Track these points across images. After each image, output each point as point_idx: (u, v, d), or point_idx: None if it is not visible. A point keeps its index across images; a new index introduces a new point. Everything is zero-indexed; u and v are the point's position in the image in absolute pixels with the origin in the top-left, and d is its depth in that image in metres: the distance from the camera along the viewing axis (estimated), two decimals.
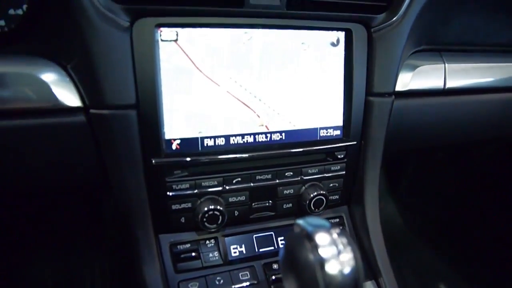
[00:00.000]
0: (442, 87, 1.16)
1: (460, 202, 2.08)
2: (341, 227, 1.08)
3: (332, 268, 0.63)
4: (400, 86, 1.09)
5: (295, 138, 0.99)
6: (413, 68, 1.12)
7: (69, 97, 0.82)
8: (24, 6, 0.81)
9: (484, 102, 1.28)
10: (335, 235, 0.66)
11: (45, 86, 0.80)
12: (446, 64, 1.16)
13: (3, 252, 1.51)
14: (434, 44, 1.18)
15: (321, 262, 0.63)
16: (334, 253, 0.64)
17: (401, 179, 2.20)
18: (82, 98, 0.83)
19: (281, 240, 1.05)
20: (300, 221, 0.70)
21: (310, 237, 0.66)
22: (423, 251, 2.02)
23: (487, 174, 2.00)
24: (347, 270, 0.63)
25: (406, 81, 1.11)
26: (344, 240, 0.66)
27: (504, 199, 1.90)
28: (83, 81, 0.82)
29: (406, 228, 2.11)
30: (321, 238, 0.65)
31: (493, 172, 1.97)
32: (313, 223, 0.68)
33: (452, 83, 1.17)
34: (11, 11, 0.80)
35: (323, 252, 0.64)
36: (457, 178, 2.09)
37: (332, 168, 1.05)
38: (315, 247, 0.64)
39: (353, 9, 0.94)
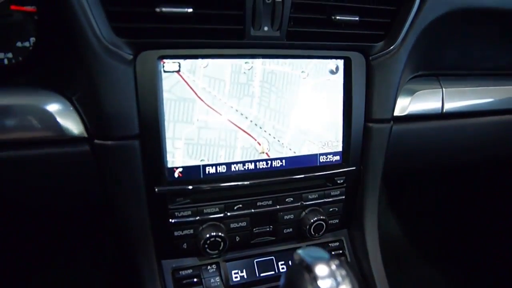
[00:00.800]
0: (440, 111, 1.18)
1: (461, 219, 2.08)
2: (340, 251, 1.12)
3: None
4: (398, 111, 1.11)
5: (295, 164, 1.01)
6: (411, 92, 1.14)
7: (73, 127, 0.85)
8: (31, 39, 0.83)
9: (482, 124, 1.30)
10: (334, 267, 0.67)
11: (51, 117, 0.82)
12: (444, 88, 1.18)
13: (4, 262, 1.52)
14: (432, 69, 1.20)
15: None
16: (333, 285, 0.65)
17: (402, 195, 2.20)
18: (86, 129, 0.85)
19: (281, 264, 1.05)
20: (300, 251, 0.71)
21: (309, 269, 0.67)
22: (425, 268, 2.02)
23: (488, 191, 2.00)
24: None
25: (404, 105, 1.13)
26: (343, 271, 0.67)
27: (505, 216, 1.90)
28: (88, 112, 0.84)
29: (408, 245, 2.11)
30: (320, 269, 0.66)
31: (495, 189, 1.97)
32: (313, 255, 0.69)
33: (449, 107, 1.19)
34: (19, 44, 0.83)
35: (322, 283, 0.65)
36: (458, 194, 2.09)
37: (332, 193, 1.06)
38: (314, 278, 0.65)
39: (351, 38, 0.96)
